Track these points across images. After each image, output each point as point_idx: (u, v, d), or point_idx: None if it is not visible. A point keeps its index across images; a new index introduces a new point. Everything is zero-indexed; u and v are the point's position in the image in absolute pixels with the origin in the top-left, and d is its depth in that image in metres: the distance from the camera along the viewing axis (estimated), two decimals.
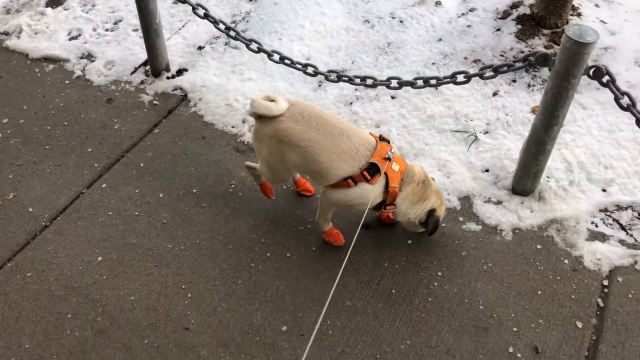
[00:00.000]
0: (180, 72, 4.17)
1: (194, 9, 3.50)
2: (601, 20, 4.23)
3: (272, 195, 3.30)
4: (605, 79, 2.66)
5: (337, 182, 2.79)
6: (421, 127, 3.71)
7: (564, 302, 2.83)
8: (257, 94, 3.38)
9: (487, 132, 3.64)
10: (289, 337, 2.75)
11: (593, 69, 2.65)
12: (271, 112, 2.79)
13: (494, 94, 3.86)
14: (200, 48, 4.33)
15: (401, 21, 4.44)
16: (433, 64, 4.09)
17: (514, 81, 3.94)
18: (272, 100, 2.80)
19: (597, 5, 4.40)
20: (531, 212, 3.23)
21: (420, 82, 3.07)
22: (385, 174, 2.77)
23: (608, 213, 3.23)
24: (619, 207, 3.25)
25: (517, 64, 2.84)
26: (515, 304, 2.83)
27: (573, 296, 2.85)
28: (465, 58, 4.09)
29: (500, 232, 3.15)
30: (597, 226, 3.16)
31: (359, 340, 2.74)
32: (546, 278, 2.93)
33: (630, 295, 2.84)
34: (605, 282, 2.90)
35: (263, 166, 3.00)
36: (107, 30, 4.56)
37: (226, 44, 4.35)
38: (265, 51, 3.36)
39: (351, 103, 3.89)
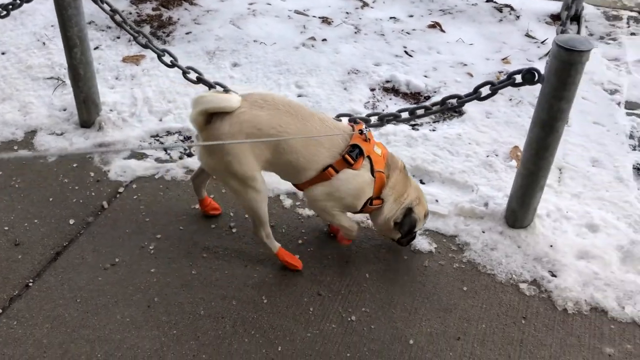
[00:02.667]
0: None
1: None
2: None
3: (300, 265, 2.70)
4: None
5: (316, 176, 2.41)
6: (18, 75, 3.96)
7: (71, 206, 3.10)
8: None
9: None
10: None
11: None
12: (230, 104, 2.29)
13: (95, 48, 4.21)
14: None
15: None
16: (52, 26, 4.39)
17: (118, 38, 4.33)
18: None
19: None
20: (85, 139, 3.53)
21: None
22: (369, 157, 2.43)
23: (157, 137, 3.60)
24: (169, 132, 3.63)
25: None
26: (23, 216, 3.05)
27: (81, 201, 3.13)
28: None
29: (47, 157, 3.40)
30: (142, 148, 3.50)
31: None
32: (64, 187, 3.20)
33: (135, 197, 3.15)
34: (121, 190, 3.22)
35: (237, 192, 2.44)
36: None
37: None
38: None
39: None
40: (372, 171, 2.44)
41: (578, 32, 4.58)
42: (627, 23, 4.78)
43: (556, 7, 4.92)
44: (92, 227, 2.94)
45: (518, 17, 4.74)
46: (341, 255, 2.80)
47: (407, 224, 2.55)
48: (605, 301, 2.57)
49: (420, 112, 2.81)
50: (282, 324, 2.49)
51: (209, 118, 2.32)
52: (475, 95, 2.65)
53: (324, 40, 4.36)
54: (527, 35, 4.48)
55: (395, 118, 2.88)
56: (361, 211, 2.56)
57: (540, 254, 2.76)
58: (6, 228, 2.92)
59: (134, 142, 3.52)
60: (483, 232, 2.88)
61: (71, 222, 2.96)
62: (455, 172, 3.22)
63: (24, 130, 3.57)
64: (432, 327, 2.48)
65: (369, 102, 3.80)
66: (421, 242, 2.85)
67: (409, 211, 2.56)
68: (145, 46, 3.13)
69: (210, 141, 2.31)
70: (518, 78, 2.53)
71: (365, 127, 2.47)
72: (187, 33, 4.41)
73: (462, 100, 2.70)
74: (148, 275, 2.69)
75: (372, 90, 3.90)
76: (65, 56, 3.38)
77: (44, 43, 4.25)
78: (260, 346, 2.40)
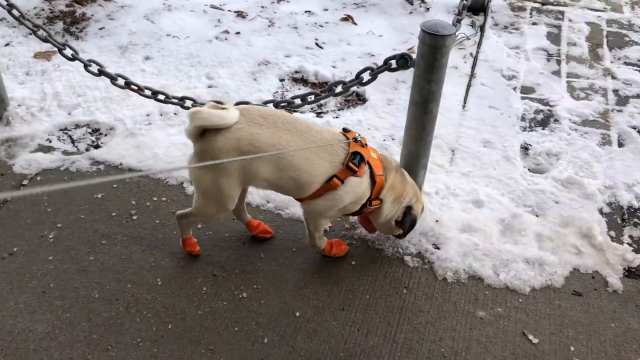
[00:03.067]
0: None
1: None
2: None
3: (198, 250, 2.78)
4: None
5: (320, 188, 2.39)
6: None
7: None
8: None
9: None
10: None
11: None
12: (226, 121, 2.25)
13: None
14: None
15: None
16: None
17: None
18: (223, 108, 2.32)
19: None
20: None
21: None
22: (368, 162, 2.44)
23: (66, 131, 3.62)
24: (77, 126, 3.66)
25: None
26: None
27: None
28: None
29: None
30: (50, 141, 3.52)
31: None
32: None
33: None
34: (25, 182, 3.24)
35: (201, 204, 2.47)
36: None
37: None
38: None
39: None
40: (372, 175, 2.46)
41: (484, 23, 4.80)
42: (530, 14, 5.03)
43: None
44: None
45: (428, 9, 4.93)
46: (238, 237, 2.90)
47: (408, 222, 2.61)
48: (482, 269, 2.75)
49: (310, 98, 2.94)
50: (174, 303, 2.58)
51: (204, 131, 2.29)
52: (357, 80, 2.80)
53: (238, 33, 4.46)
54: None
55: (288, 104, 3.01)
56: (359, 212, 2.59)
57: (427, 229, 2.93)
58: None
59: (42, 135, 3.54)
60: None
61: None
62: None
63: None
64: (319, 300, 2.61)
65: (277, 92, 3.91)
66: None
67: (408, 209, 2.60)
68: (45, 40, 3.17)
69: (204, 154, 2.27)
70: (394, 63, 2.68)
71: (358, 134, 2.49)
72: (100, 29, 4.44)
73: (347, 85, 2.85)
74: (46, 263, 2.74)
75: (282, 80, 4.02)
76: None
77: None
78: (152, 325, 2.48)
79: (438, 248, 2.85)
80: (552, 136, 3.59)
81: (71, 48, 3.15)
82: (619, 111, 3.83)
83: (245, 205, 2.81)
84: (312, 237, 2.67)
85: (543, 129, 3.66)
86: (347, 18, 4.76)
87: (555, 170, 3.31)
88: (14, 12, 3.18)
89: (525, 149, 3.51)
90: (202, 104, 3.04)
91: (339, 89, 2.86)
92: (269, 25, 4.61)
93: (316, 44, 4.41)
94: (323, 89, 2.94)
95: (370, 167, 2.44)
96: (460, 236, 2.89)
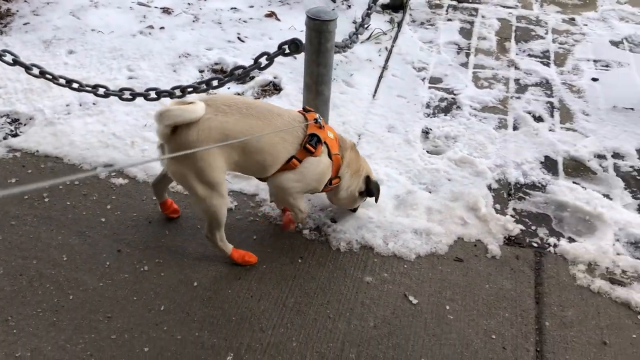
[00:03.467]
0: None
1: None
2: None
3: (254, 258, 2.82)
4: None
5: (280, 168, 2.57)
6: None
7: None
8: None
9: None
10: None
11: None
12: (197, 114, 2.33)
13: None
14: None
15: None
16: None
17: None
18: (189, 103, 2.37)
19: None
20: None
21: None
22: (325, 143, 2.62)
23: None
24: None
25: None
26: None
27: None
28: None
29: None
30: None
31: None
32: None
33: None
34: None
35: (202, 203, 2.50)
36: None
37: None
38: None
39: None
40: (330, 155, 2.65)
41: (402, 19, 5.05)
42: (446, 10, 5.31)
43: None
44: None
45: (350, 6, 5.16)
46: (145, 217, 3.04)
47: (375, 188, 2.89)
48: (373, 240, 2.95)
49: (214, 83, 3.11)
50: (77, 277, 2.70)
51: (174, 128, 2.35)
52: (255, 65, 2.98)
53: (162, 28, 4.60)
54: (353, 22, 4.89)
55: (194, 90, 3.17)
56: (322, 191, 2.80)
57: (326, 205, 3.12)
58: None
59: None
60: None
61: None
62: None
63: None
64: (217, 271, 2.77)
65: (196, 82, 4.06)
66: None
67: (368, 179, 2.87)
68: None
69: (178, 150, 2.29)
70: (287, 48, 2.87)
71: (318, 116, 2.63)
72: (25, 24, 4.52)
73: (246, 70, 3.03)
74: None
75: (201, 71, 4.17)
76: None
77: None
78: (53, 296, 2.60)
79: (335, 222, 3.04)
80: (452, 121, 3.84)
81: None
82: (517, 98, 4.11)
83: (168, 187, 2.95)
84: (294, 214, 2.84)
85: (445, 115, 3.91)
86: (271, 14, 4.95)
87: (451, 151, 3.55)
88: None
89: (426, 133, 3.74)
90: (109, 91, 3.18)
91: (239, 72, 3.04)
92: (194, 21, 4.76)
93: (238, 38, 4.58)
94: (226, 73, 3.11)
95: (327, 147, 2.63)
96: (357, 211, 3.09)
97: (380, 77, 4.26)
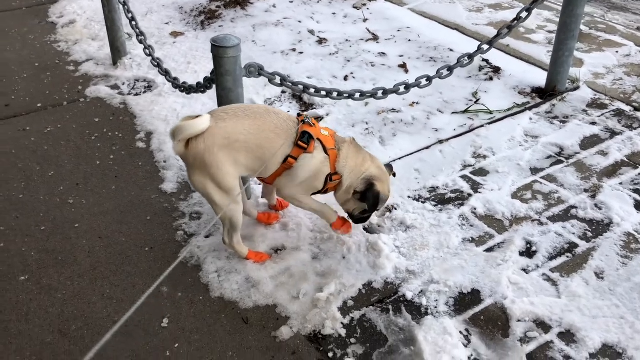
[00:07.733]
0: None
1: None
2: None
3: (267, 255, 2.99)
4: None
5: (279, 168, 2.69)
6: None
7: None
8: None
9: None
10: None
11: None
12: (204, 125, 2.56)
13: None
14: None
15: None
16: None
17: None
18: (196, 117, 2.58)
19: None
20: None
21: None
22: (319, 139, 2.70)
23: None
24: None
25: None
26: None
27: None
28: None
29: None
30: None
31: None
32: None
33: None
34: None
35: (219, 206, 2.70)
36: None
37: None
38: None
39: None
40: (325, 151, 2.69)
41: (532, 105, 4.30)
42: (607, 115, 4.23)
43: None
44: None
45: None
46: None
47: (371, 197, 2.71)
48: None
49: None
50: None
51: (187, 143, 2.59)
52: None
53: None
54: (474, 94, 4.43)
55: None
56: (326, 190, 2.81)
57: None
58: None
59: None
60: None
61: None
62: None
63: None
64: None
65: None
66: None
67: (371, 185, 2.72)
68: None
69: (196, 160, 2.58)
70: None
71: (306, 116, 2.75)
72: (220, 26, 5.54)
73: None
74: None
75: None
76: None
77: None
78: None
79: None
80: None
81: None
82: None
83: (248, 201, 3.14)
84: (319, 215, 2.93)
85: None
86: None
87: None
88: None
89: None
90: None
91: None
92: None
93: None
94: None
95: (322, 143, 2.69)
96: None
97: None
